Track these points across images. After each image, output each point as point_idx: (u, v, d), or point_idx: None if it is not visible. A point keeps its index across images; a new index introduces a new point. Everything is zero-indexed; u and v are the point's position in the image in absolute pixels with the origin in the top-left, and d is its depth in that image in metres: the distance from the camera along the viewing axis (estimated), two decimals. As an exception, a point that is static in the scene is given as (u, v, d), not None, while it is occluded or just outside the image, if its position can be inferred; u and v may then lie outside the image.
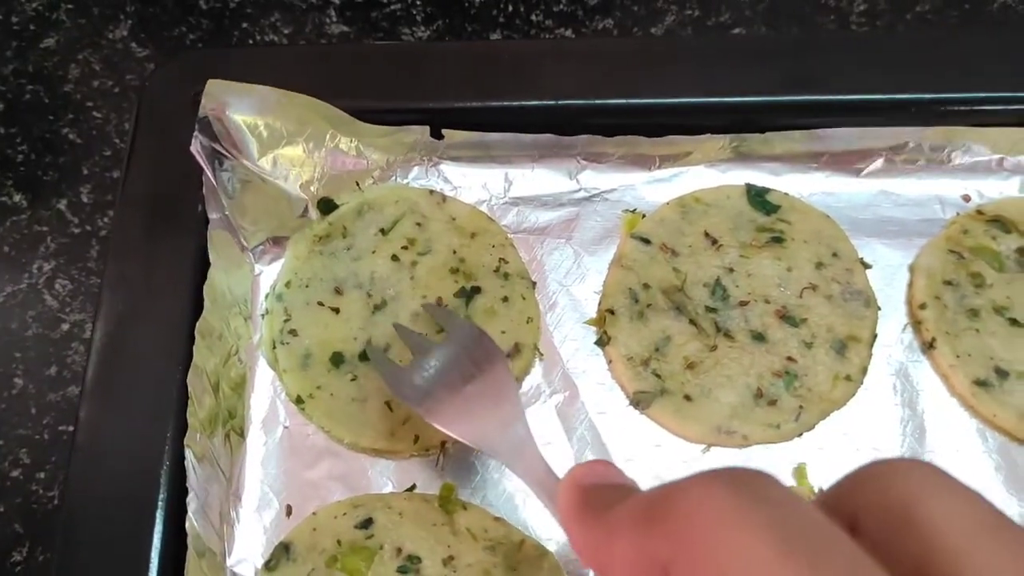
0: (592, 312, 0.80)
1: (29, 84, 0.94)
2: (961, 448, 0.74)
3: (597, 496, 0.37)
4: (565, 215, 0.84)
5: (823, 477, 0.73)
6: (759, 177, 0.85)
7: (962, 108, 0.84)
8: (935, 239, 0.82)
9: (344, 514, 0.71)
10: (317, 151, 0.80)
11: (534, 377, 0.78)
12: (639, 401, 0.76)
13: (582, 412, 0.76)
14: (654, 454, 0.74)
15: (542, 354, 0.78)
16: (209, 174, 0.77)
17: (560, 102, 0.83)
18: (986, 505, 0.30)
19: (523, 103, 0.83)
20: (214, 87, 0.75)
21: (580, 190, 0.85)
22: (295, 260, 0.80)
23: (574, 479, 0.40)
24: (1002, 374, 0.76)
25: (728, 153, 0.85)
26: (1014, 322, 0.78)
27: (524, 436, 0.60)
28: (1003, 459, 0.74)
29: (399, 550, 0.70)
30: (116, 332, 0.75)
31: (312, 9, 0.95)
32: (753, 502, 0.28)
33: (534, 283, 0.80)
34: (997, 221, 0.82)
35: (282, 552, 0.70)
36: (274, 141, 0.78)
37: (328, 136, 0.80)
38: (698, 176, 0.86)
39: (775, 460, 0.74)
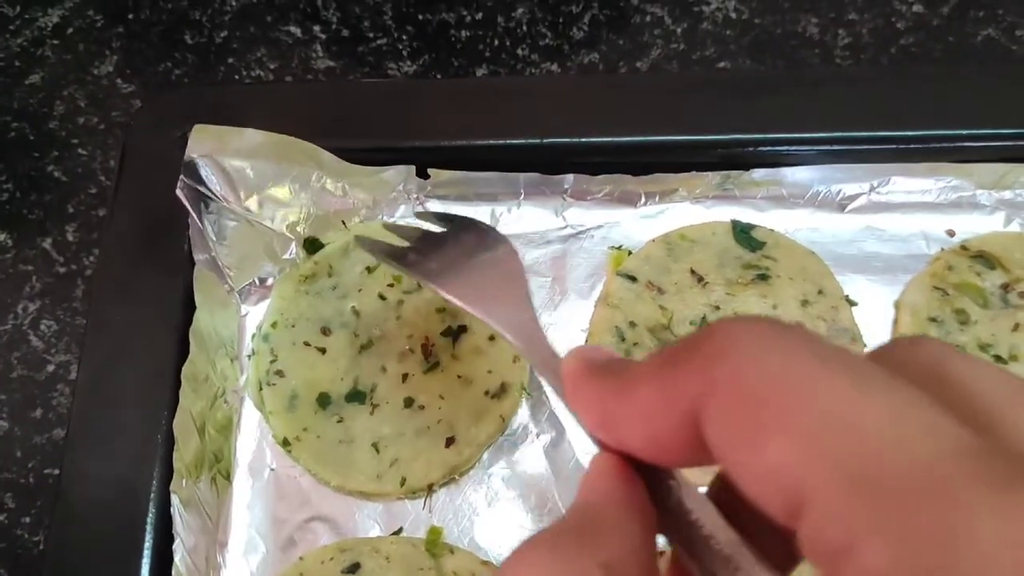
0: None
1: (14, 121, 0.94)
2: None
3: (607, 364, 0.35)
4: (551, 252, 0.84)
5: (810, 517, 0.73)
6: (745, 213, 0.85)
7: (946, 144, 0.85)
8: (920, 275, 0.82)
9: (331, 559, 0.71)
10: (303, 192, 0.80)
11: (521, 417, 0.77)
12: (626, 441, 0.75)
13: (569, 452, 0.76)
14: (642, 494, 0.74)
15: (530, 393, 0.78)
16: (195, 217, 0.77)
17: (546, 140, 0.83)
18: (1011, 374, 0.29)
19: (509, 142, 0.83)
20: (200, 133, 0.75)
21: (566, 227, 0.85)
22: (281, 300, 0.79)
23: (579, 352, 0.37)
24: (987, 411, 0.76)
25: (714, 189, 0.86)
26: (998, 359, 0.78)
27: (531, 315, 0.55)
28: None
29: (386, 595, 0.69)
30: (100, 374, 0.75)
31: (298, 44, 0.95)
32: (786, 330, 0.27)
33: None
34: (981, 257, 0.83)
35: (269, 598, 0.70)
36: (260, 183, 0.78)
37: (314, 177, 0.80)
38: (684, 212, 0.86)
39: (762, 500, 0.74)
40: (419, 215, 0.78)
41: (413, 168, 0.81)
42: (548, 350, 0.50)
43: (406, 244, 0.69)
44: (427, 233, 0.70)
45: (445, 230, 0.69)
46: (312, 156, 0.79)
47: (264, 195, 0.79)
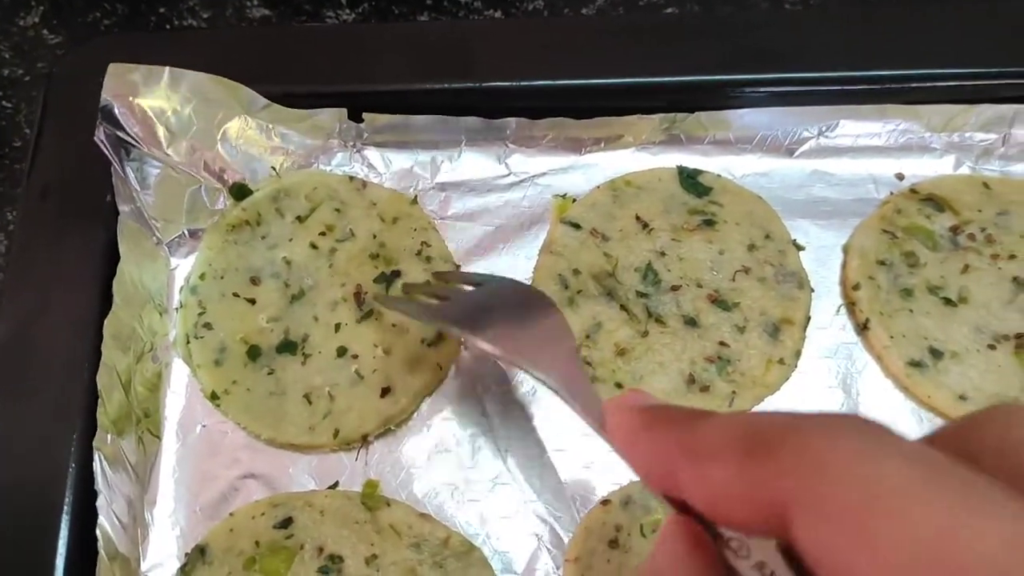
0: (522, 299, 0.77)
1: (-65, 73, 0.90)
2: (896, 430, 0.73)
3: (658, 416, 0.35)
4: (494, 200, 0.82)
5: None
6: (691, 159, 0.83)
7: (894, 86, 0.83)
8: (869, 219, 0.81)
9: (262, 514, 0.68)
10: (229, 137, 0.77)
11: (461, 366, 0.75)
12: (569, 390, 0.73)
13: (512, 401, 0.74)
14: (585, 443, 0.72)
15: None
16: (116, 165, 0.74)
17: (484, 84, 0.80)
18: None
19: (447, 85, 0.80)
20: (116, 71, 0.72)
21: (509, 175, 0.83)
22: (209, 251, 0.77)
23: (623, 401, 0.38)
24: (936, 354, 0.74)
25: (660, 135, 0.84)
26: (948, 302, 0.77)
27: (580, 372, 0.54)
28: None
29: (320, 550, 0.67)
30: (21, 329, 0.72)
31: (232, -8, 0.92)
32: (881, 439, 0.27)
33: (459, 267, 0.78)
34: (931, 200, 0.81)
35: (198, 555, 0.67)
36: (183, 128, 0.75)
37: (241, 121, 0.77)
38: (630, 159, 0.84)
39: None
40: (436, 275, 0.74)
41: (345, 111, 0.78)
42: (595, 397, 0.49)
43: (434, 301, 0.67)
44: (465, 293, 0.68)
45: (480, 288, 0.68)
46: (239, 98, 0.76)
47: (188, 140, 0.76)
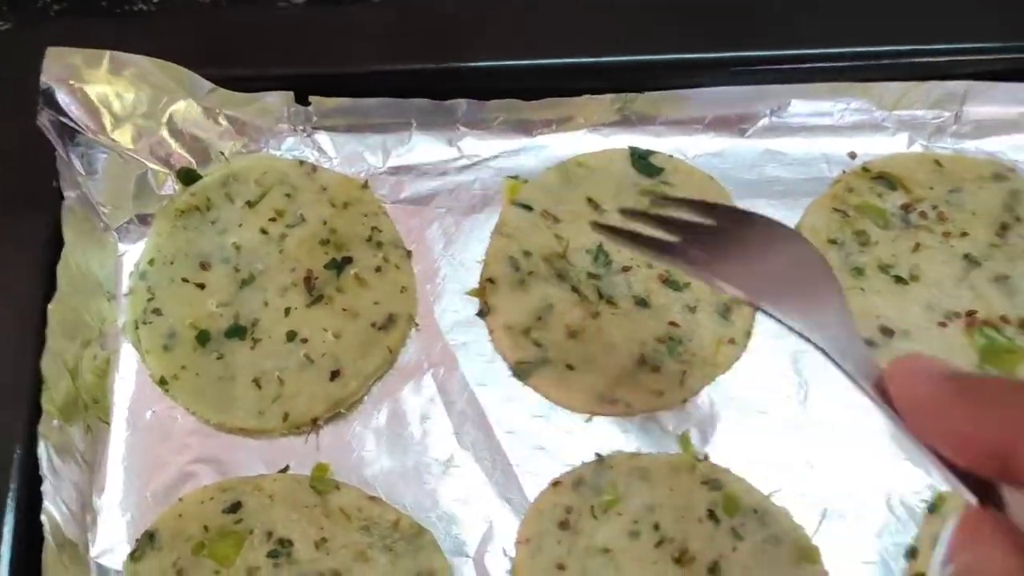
0: (474, 282, 0.77)
1: None
2: (848, 407, 0.73)
3: (973, 386, 0.33)
4: (446, 183, 0.81)
5: (707, 443, 0.72)
6: (644, 140, 0.83)
7: (847, 64, 0.83)
8: (820, 198, 0.81)
9: (211, 499, 0.68)
10: (176, 121, 0.76)
11: (412, 350, 0.75)
12: (520, 371, 0.74)
13: (462, 384, 0.74)
14: (536, 425, 0.72)
15: (418, 325, 0.75)
16: (60, 150, 0.73)
17: (432, 66, 0.80)
18: None
19: (395, 67, 0.79)
20: (55, 55, 0.71)
21: (461, 157, 0.82)
22: (158, 237, 0.76)
23: (911, 366, 0.35)
24: (887, 332, 0.75)
25: (613, 116, 0.83)
26: (899, 280, 0.77)
27: (850, 327, 0.46)
28: (888, 419, 0.73)
29: (269, 534, 0.67)
30: (-36, 316, 0.71)
31: (183, -24, 0.91)
32: None
33: (409, 252, 0.77)
34: (882, 178, 0.81)
35: (147, 541, 0.67)
36: (127, 113, 0.74)
37: (187, 105, 0.76)
38: (582, 140, 0.84)
39: (659, 427, 0.72)
40: (655, 202, 0.65)
41: (291, 94, 0.78)
42: (875, 367, 0.43)
43: (674, 238, 0.54)
44: (702, 229, 0.55)
45: (717, 225, 0.55)
46: (182, 82, 0.75)
47: (133, 125, 0.75)
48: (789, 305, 0.48)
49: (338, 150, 0.82)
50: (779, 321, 0.48)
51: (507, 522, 0.69)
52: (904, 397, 0.35)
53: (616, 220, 0.61)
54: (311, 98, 0.78)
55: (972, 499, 0.32)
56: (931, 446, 0.34)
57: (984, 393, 0.32)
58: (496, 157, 0.82)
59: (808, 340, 0.47)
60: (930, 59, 0.83)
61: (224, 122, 0.78)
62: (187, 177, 0.77)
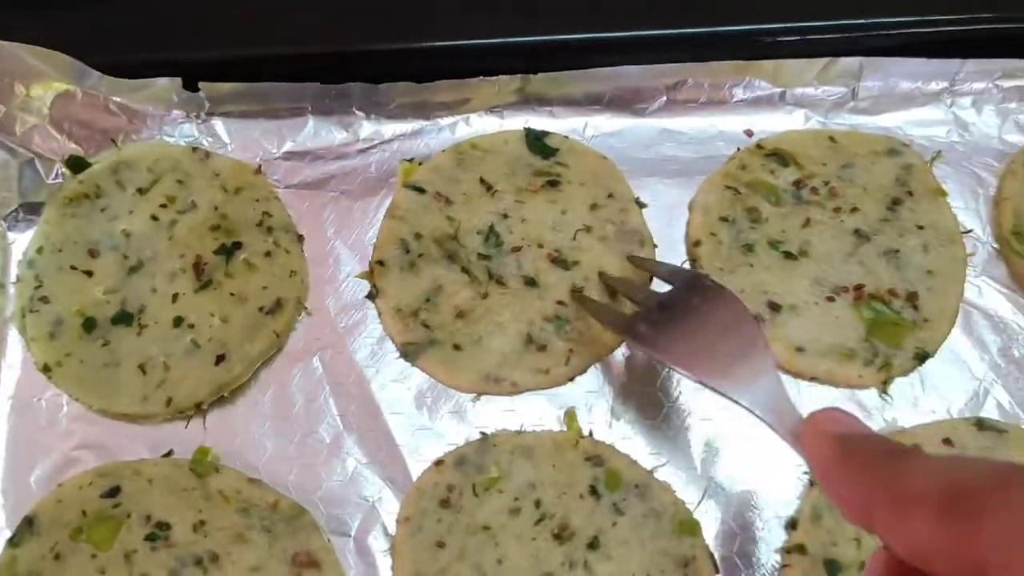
0: (366, 265, 0.78)
1: None
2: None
3: (861, 447, 0.36)
4: (342, 167, 0.82)
5: (593, 420, 0.72)
6: (540, 121, 0.84)
7: (742, 41, 0.83)
8: (713, 176, 0.81)
9: (90, 484, 0.68)
10: (60, 109, 0.76)
11: (301, 333, 0.75)
12: (408, 353, 0.74)
13: (350, 366, 0.74)
14: (423, 405, 0.73)
15: (308, 309, 0.75)
16: (-60, 140, 0.73)
17: (324, 50, 0.80)
18: None
19: (283, 51, 0.80)
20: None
21: (358, 141, 0.83)
22: (47, 225, 0.76)
23: (820, 426, 0.38)
24: (775, 308, 0.75)
25: (510, 97, 0.83)
26: (788, 255, 0.77)
27: (775, 384, 0.53)
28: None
29: (148, 518, 0.67)
30: None
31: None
32: None
33: (301, 236, 0.77)
34: (776, 155, 0.82)
35: (26, 526, 0.67)
36: (6, 101, 0.74)
37: (72, 92, 0.76)
38: (479, 122, 0.84)
39: (545, 405, 0.72)
40: (631, 259, 0.75)
41: (179, 80, 0.78)
42: (791, 411, 0.49)
43: (630, 309, 0.68)
44: (652, 293, 0.68)
45: (670, 289, 0.67)
46: (64, 69, 0.76)
47: (15, 114, 0.75)
48: (724, 374, 0.55)
49: (233, 136, 0.82)
50: (714, 391, 0.55)
51: (390, 502, 0.69)
52: (811, 457, 0.38)
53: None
54: (201, 84, 0.78)
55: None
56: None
57: (861, 458, 0.35)
58: (393, 140, 0.83)
59: (740, 404, 0.53)
60: (826, 35, 0.84)
61: (115, 109, 0.78)
62: (76, 165, 0.77)
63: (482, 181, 0.80)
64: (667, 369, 0.73)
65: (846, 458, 0.36)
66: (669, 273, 0.70)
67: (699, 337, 0.59)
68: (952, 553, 0.29)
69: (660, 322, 0.62)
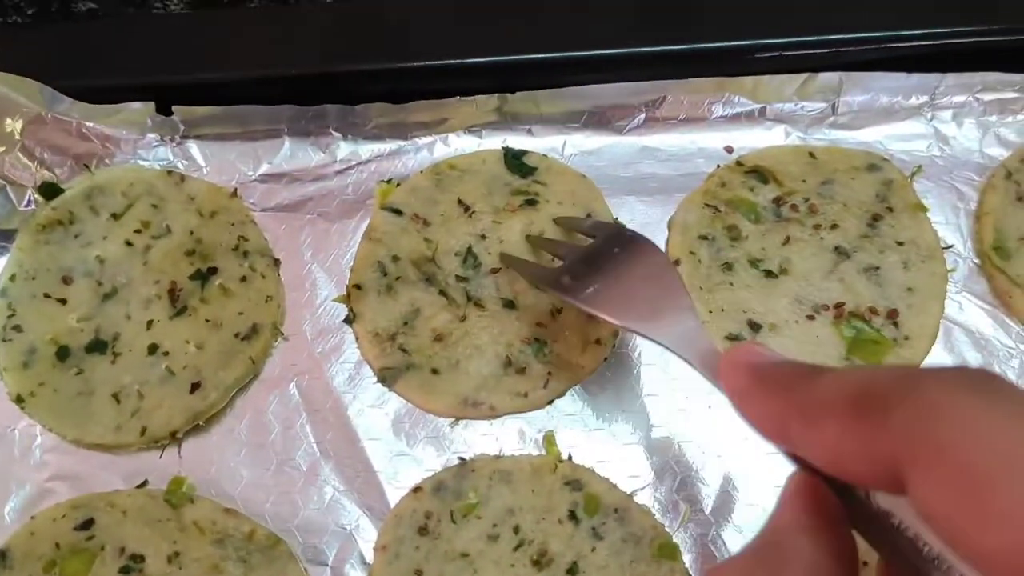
0: (344, 288, 0.77)
1: None
2: (713, 404, 0.73)
3: (772, 372, 0.36)
4: (319, 189, 0.81)
5: (572, 443, 0.71)
6: (518, 140, 0.83)
7: (720, 57, 0.82)
8: (692, 194, 0.80)
9: (63, 516, 0.67)
10: (32, 135, 0.76)
11: (277, 359, 0.75)
12: (385, 378, 0.73)
13: (327, 392, 0.73)
14: (400, 431, 0.72)
15: (284, 334, 0.74)
16: (-89, 167, 0.72)
17: (287, 71, 0.79)
18: None
19: (257, 74, 0.79)
20: None
21: (335, 163, 0.82)
22: (20, 252, 0.75)
23: (736, 358, 0.39)
24: (755, 327, 0.74)
25: (489, 116, 0.83)
26: (769, 274, 0.76)
27: (693, 324, 0.55)
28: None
29: (122, 550, 0.67)
30: None
31: (59, -14, 0.90)
32: (994, 398, 0.26)
33: (277, 260, 0.77)
34: (756, 172, 0.81)
35: (-1, 560, 0.66)
36: (-25, 126, 0.74)
37: (43, 118, 0.75)
38: (458, 141, 0.84)
39: (524, 429, 0.72)
40: (558, 220, 0.76)
41: (152, 104, 0.77)
42: (712, 350, 0.50)
43: (555, 263, 0.70)
44: (575, 248, 0.70)
45: (593, 241, 0.69)
46: (33, 95, 0.75)
47: (-15, 140, 0.74)
48: (646, 319, 0.57)
49: (208, 159, 0.81)
50: (638, 334, 0.57)
51: (367, 530, 0.69)
52: (728, 388, 0.38)
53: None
54: (174, 108, 0.77)
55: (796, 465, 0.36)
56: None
57: (774, 380, 0.36)
58: (370, 161, 0.82)
59: (662, 344, 0.55)
60: (806, 51, 0.83)
61: (87, 134, 0.77)
62: (48, 191, 0.76)
63: (460, 202, 0.79)
64: (645, 395, 0.72)
65: (760, 382, 0.36)
66: (592, 227, 0.72)
67: (621, 285, 0.61)
68: (862, 453, 0.29)
69: (584, 274, 0.64)
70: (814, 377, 0.33)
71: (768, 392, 0.35)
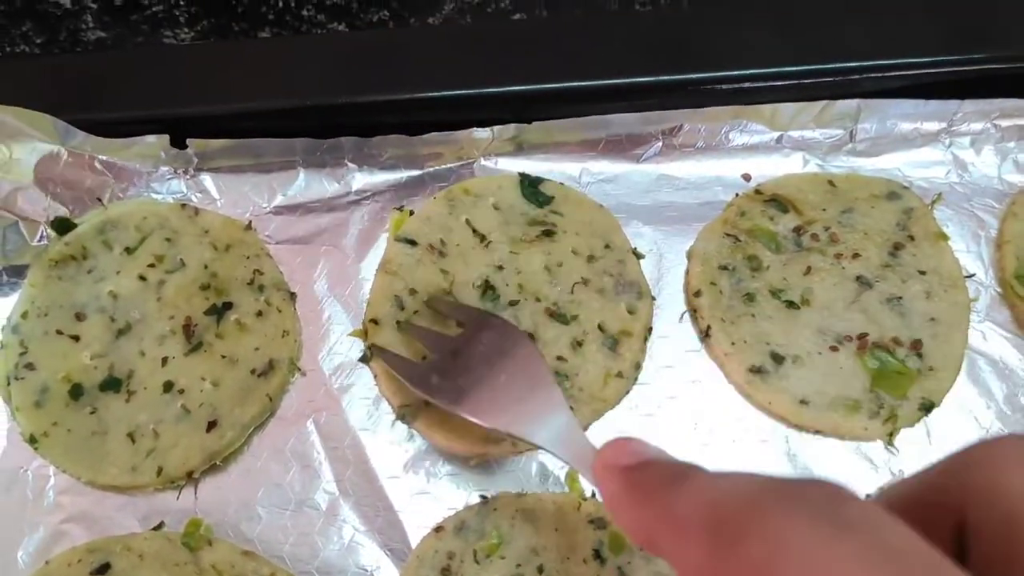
0: (360, 322, 0.76)
1: None
2: (737, 438, 0.72)
3: (643, 477, 0.37)
4: (334, 220, 0.80)
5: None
6: (534, 166, 0.82)
7: (737, 86, 0.82)
8: (711, 223, 0.80)
9: (79, 561, 0.66)
10: (46, 170, 0.75)
11: (294, 395, 0.73)
12: (405, 415, 0.72)
13: (344, 429, 0.72)
14: (421, 469, 0.71)
15: (301, 370, 0.73)
16: (-79, 204, 0.71)
17: (313, 102, 0.78)
18: None
19: (271, 106, 0.78)
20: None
21: (349, 193, 0.81)
22: (32, 288, 0.74)
23: (607, 461, 0.39)
24: (778, 359, 0.73)
25: (507, 147, 0.82)
26: (790, 304, 0.76)
27: (566, 420, 0.56)
28: (780, 446, 0.72)
29: (139, 595, 0.65)
30: None
31: (67, 16, 0.89)
32: (836, 531, 0.27)
33: (293, 294, 0.76)
34: (775, 200, 0.80)
35: (14, 607, 0.65)
36: (-11, 162, 0.72)
37: (57, 152, 0.74)
38: (474, 171, 0.82)
39: (546, 465, 0.71)
40: (428, 302, 0.74)
41: (167, 137, 0.76)
42: (590, 451, 0.51)
43: (424, 356, 0.69)
44: (445, 339, 0.68)
45: (461, 332, 0.67)
46: (46, 129, 0.74)
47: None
48: (515, 419, 0.58)
49: (223, 191, 0.80)
50: (513, 437, 0.58)
51: (389, 570, 0.67)
52: (603, 492, 0.39)
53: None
54: (189, 141, 0.76)
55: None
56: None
57: (642, 487, 0.36)
58: (385, 191, 0.81)
59: (536, 445, 0.56)
60: (823, 79, 0.82)
61: (100, 168, 0.76)
62: (61, 226, 0.75)
63: (475, 232, 0.78)
64: (667, 429, 0.71)
65: (630, 489, 0.37)
66: (460, 314, 0.71)
67: (490, 384, 0.61)
68: None
69: (451, 370, 0.64)
70: (677, 486, 0.33)
71: (635, 501, 0.36)
